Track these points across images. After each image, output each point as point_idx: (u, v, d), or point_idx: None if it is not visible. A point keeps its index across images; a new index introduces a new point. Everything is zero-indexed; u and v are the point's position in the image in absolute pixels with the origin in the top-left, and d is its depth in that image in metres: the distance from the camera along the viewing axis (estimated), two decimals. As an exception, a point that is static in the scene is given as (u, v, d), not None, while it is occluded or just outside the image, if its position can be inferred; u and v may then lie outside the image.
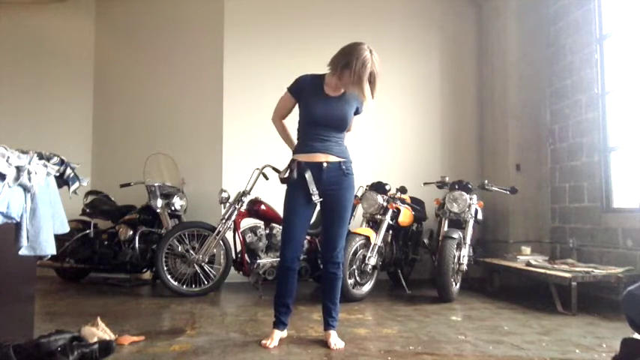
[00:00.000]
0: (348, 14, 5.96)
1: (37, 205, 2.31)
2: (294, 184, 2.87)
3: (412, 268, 5.38)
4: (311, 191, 2.83)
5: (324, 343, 2.91)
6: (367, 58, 2.74)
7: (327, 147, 2.90)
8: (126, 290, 4.93)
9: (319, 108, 2.87)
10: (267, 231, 4.69)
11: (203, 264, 4.58)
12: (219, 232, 4.53)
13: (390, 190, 4.79)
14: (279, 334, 2.96)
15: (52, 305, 4.02)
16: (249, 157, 5.24)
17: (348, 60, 2.77)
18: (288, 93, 2.99)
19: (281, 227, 4.70)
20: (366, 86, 2.73)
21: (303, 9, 5.88)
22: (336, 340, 2.89)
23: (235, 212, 4.57)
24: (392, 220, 4.68)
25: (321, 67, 6.44)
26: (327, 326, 2.97)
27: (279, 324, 2.97)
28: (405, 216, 4.90)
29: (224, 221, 4.56)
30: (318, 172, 2.87)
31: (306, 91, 2.91)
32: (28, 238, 2.25)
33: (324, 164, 2.87)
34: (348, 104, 2.94)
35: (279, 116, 3.11)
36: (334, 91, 2.92)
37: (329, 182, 2.88)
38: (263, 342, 2.89)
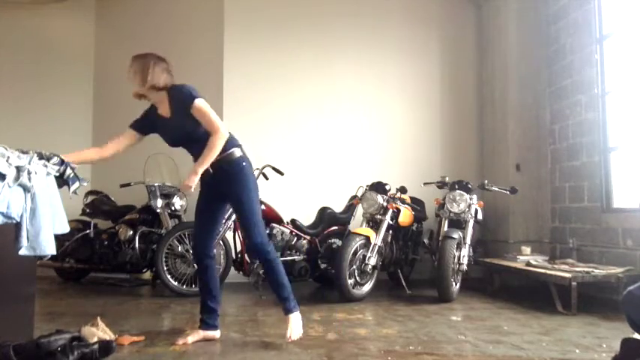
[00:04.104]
0: (348, 14, 5.96)
1: (37, 205, 2.31)
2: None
3: (412, 268, 5.39)
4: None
5: (325, 343, 2.91)
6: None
7: (197, 158, 2.86)
8: (126, 290, 4.93)
9: (161, 133, 2.97)
10: (267, 231, 4.68)
11: (203, 264, 4.57)
12: (219, 232, 4.53)
13: (390, 190, 4.79)
14: (200, 334, 2.96)
15: (52, 305, 4.02)
16: (249, 156, 5.23)
17: None
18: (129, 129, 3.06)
19: (281, 227, 4.74)
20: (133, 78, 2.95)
21: (303, 9, 5.88)
22: (292, 329, 2.89)
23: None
24: (392, 220, 4.68)
25: (321, 67, 6.46)
26: (285, 311, 2.96)
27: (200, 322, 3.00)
28: (405, 216, 4.90)
29: (224, 221, 4.55)
30: (209, 178, 2.87)
31: (149, 124, 3.00)
32: (28, 238, 2.25)
33: (210, 170, 2.83)
34: (180, 118, 2.85)
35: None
36: (164, 111, 2.94)
37: (220, 183, 2.89)
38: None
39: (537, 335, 3.21)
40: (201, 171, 2.76)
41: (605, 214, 4.64)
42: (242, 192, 2.88)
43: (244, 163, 2.92)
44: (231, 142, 2.88)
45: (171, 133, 2.91)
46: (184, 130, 2.83)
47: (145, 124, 2.99)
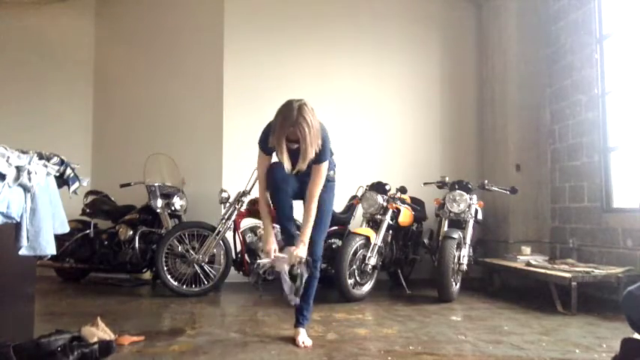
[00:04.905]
0: (349, 14, 5.96)
1: (37, 205, 2.31)
2: None
3: (412, 268, 5.38)
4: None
5: (325, 343, 2.91)
6: (283, 116, 2.70)
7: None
8: (126, 290, 4.93)
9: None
10: (267, 231, 4.68)
11: (203, 264, 4.58)
12: (219, 232, 4.53)
13: (390, 190, 4.79)
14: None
15: (52, 305, 4.02)
16: (249, 157, 5.22)
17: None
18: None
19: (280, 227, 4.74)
20: (281, 154, 2.76)
21: (303, 9, 5.88)
22: (304, 338, 2.92)
23: (235, 212, 4.57)
24: (392, 220, 4.68)
25: (321, 67, 6.44)
26: (297, 323, 3.00)
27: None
28: (405, 216, 4.90)
29: (224, 221, 4.56)
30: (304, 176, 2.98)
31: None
32: (28, 238, 2.25)
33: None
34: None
35: None
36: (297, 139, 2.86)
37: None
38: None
39: (537, 335, 3.21)
40: (307, 241, 2.89)
41: (605, 214, 4.64)
42: (324, 200, 3.02)
43: (333, 183, 3.16)
44: (332, 165, 3.10)
45: (295, 160, 2.85)
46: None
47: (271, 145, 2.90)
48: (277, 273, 2.86)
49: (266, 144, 2.89)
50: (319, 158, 2.86)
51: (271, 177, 2.93)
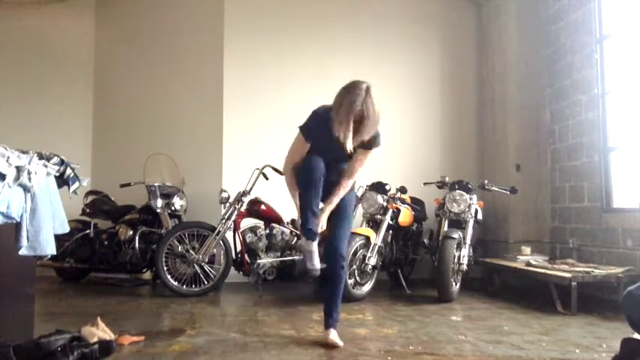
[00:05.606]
0: (349, 14, 5.96)
1: (37, 205, 2.31)
2: None
3: (412, 268, 5.38)
4: None
5: (324, 343, 2.91)
6: (351, 95, 2.69)
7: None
8: (126, 290, 4.93)
9: (321, 142, 2.89)
10: (267, 231, 4.69)
11: (203, 264, 4.58)
12: (219, 232, 4.53)
13: (390, 190, 4.79)
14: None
15: (52, 305, 4.02)
16: (249, 157, 5.24)
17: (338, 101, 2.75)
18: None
19: (281, 227, 4.75)
20: (346, 131, 2.65)
21: (303, 10, 5.88)
22: (335, 338, 2.89)
23: (235, 212, 4.57)
24: (392, 220, 4.68)
25: (321, 67, 6.43)
26: (327, 325, 2.98)
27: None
28: (405, 216, 4.90)
29: (224, 221, 4.56)
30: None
31: (316, 131, 2.90)
32: (28, 238, 2.25)
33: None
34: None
35: None
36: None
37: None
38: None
39: (537, 335, 3.21)
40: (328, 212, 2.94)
41: (605, 214, 4.64)
42: (348, 202, 3.04)
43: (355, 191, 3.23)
44: None
45: (334, 151, 2.81)
46: (346, 155, 2.81)
47: (314, 132, 2.90)
48: (306, 252, 2.90)
49: (310, 131, 2.88)
50: (370, 145, 2.84)
51: (309, 168, 2.82)
